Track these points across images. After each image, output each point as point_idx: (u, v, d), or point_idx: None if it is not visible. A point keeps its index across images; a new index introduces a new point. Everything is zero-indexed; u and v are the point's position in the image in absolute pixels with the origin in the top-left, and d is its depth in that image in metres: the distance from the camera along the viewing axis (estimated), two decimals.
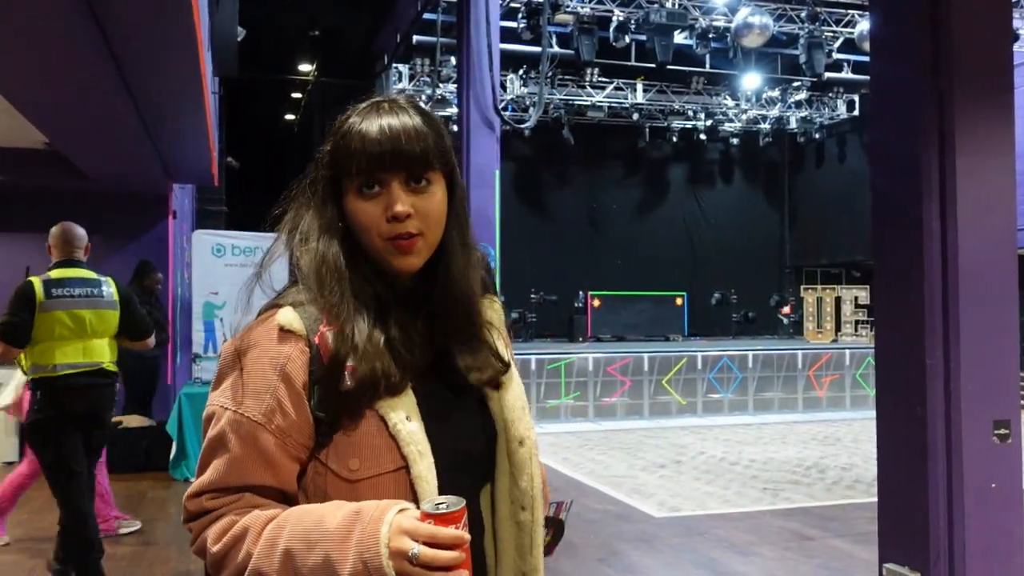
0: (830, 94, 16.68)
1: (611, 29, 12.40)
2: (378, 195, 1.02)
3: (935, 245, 3.02)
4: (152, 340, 4.18)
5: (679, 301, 17.40)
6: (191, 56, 4.46)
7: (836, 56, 13.50)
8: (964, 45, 3.04)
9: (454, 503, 0.90)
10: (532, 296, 15.98)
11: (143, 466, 6.66)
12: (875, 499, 3.32)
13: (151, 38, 4.20)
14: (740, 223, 18.99)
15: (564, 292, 16.33)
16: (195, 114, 5.72)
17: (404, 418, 1.00)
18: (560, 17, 11.92)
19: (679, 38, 12.39)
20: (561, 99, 15.69)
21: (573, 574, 4.37)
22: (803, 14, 12.75)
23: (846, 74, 14.64)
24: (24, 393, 4.26)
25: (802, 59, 12.82)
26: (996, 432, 3.01)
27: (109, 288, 3.91)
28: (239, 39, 8.80)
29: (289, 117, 19.61)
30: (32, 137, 6.28)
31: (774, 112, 17.16)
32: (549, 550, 1.20)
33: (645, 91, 16.06)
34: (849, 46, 13.22)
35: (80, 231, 3.93)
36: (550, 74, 13.99)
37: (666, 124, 17.26)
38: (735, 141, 18.19)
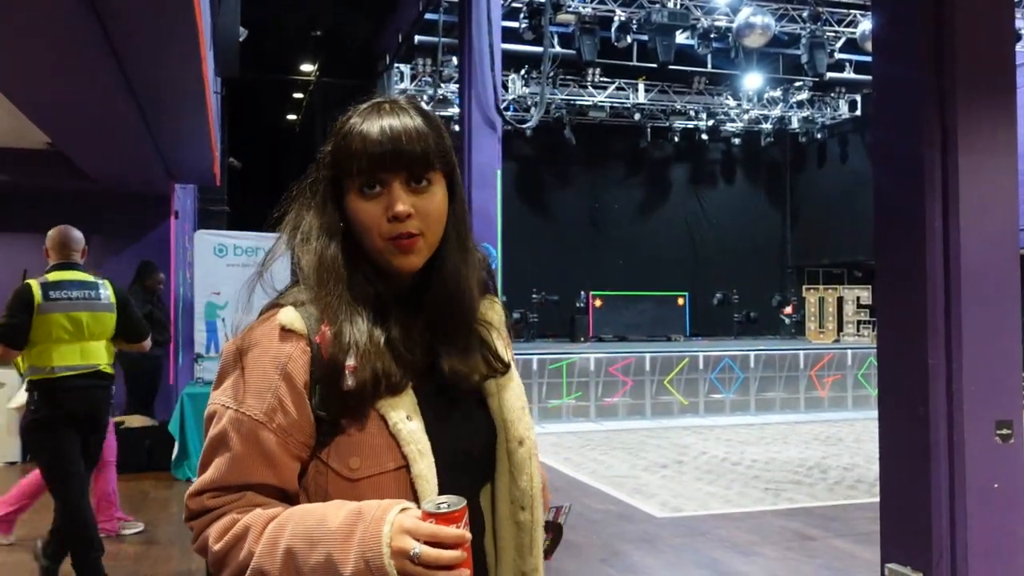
0: (832, 94, 16.68)
1: (613, 29, 12.40)
2: (379, 195, 1.03)
3: (937, 245, 3.02)
4: (148, 343, 4.21)
5: (681, 301, 17.40)
6: (193, 56, 4.47)
7: (838, 56, 13.50)
8: (967, 45, 3.03)
9: (455, 502, 0.90)
10: (534, 296, 15.98)
11: (145, 466, 6.67)
12: (877, 499, 3.32)
13: (153, 38, 4.20)
14: (742, 223, 18.98)
15: (566, 292, 16.33)
16: (197, 114, 5.73)
17: (404, 417, 1.00)
18: (562, 17, 11.93)
19: (681, 38, 12.39)
20: (563, 99, 15.69)
21: (575, 574, 4.37)
22: (805, 14, 12.75)
23: (848, 74, 14.64)
24: None
25: (804, 59, 12.82)
26: (998, 432, 3.01)
27: (106, 291, 3.94)
28: (241, 39, 8.80)
29: (291, 117, 19.62)
30: (34, 137, 6.29)
31: (776, 112, 17.16)
32: (548, 554, 1.20)
33: (647, 91, 16.06)
34: (851, 46, 13.21)
35: (77, 234, 3.95)
36: (552, 74, 13.99)
37: (668, 124, 17.26)
38: (737, 141, 18.19)
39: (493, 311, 1.16)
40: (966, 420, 2.96)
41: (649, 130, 17.43)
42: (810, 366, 11.32)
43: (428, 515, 0.89)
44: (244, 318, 1.07)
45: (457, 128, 10.01)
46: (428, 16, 12.00)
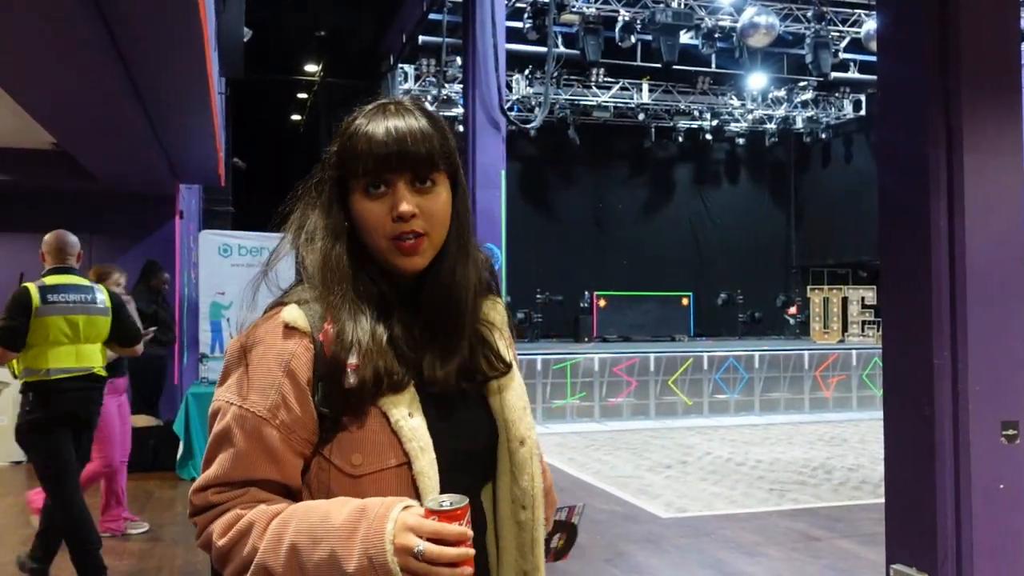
0: (836, 94, 16.65)
1: (617, 29, 12.40)
2: (384, 195, 1.03)
3: (942, 244, 3.01)
4: (140, 347, 4.27)
5: (685, 301, 17.39)
6: (198, 56, 4.48)
7: (842, 56, 13.48)
8: (971, 44, 3.03)
9: (457, 500, 0.91)
10: (538, 296, 15.98)
11: (150, 465, 6.68)
12: (882, 500, 3.31)
13: (158, 39, 4.22)
14: (746, 223, 18.96)
15: (570, 292, 16.33)
16: (202, 114, 5.75)
17: (406, 415, 1.01)
18: (566, 17, 11.93)
19: (685, 38, 12.38)
20: (567, 99, 15.69)
21: (580, 575, 4.37)
22: (809, 14, 12.73)
23: (852, 74, 14.61)
24: None
25: (808, 59, 12.80)
26: (1004, 433, 3.00)
27: (101, 295, 4.01)
28: (245, 40, 8.83)
29: (295, 118, 19.65)
30: (40, 138, 6.32)
31: (780, 112, 17.13)
32: (563, 554, 1.20)
33: (651, 91, 16.05)
34: (855, 46, 13.19)
35: (73, 239, 4.01)
36: (556, 74, 14.00)
37: (672, 124, 17.25)
38: (741, 141, 18.16)
39: (495, 311, 1.17)
40: (971, 420, 2.95)
41: (653, 130, 17.42)
42: (815, 366, 11.30)
43: (431, 512, 0.90)
44: (249, 316, 1.08)
45: (461, 128, 10.02)
46: (432, 16, 12.01)
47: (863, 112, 16.78)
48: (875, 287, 14.82)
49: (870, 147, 16.49)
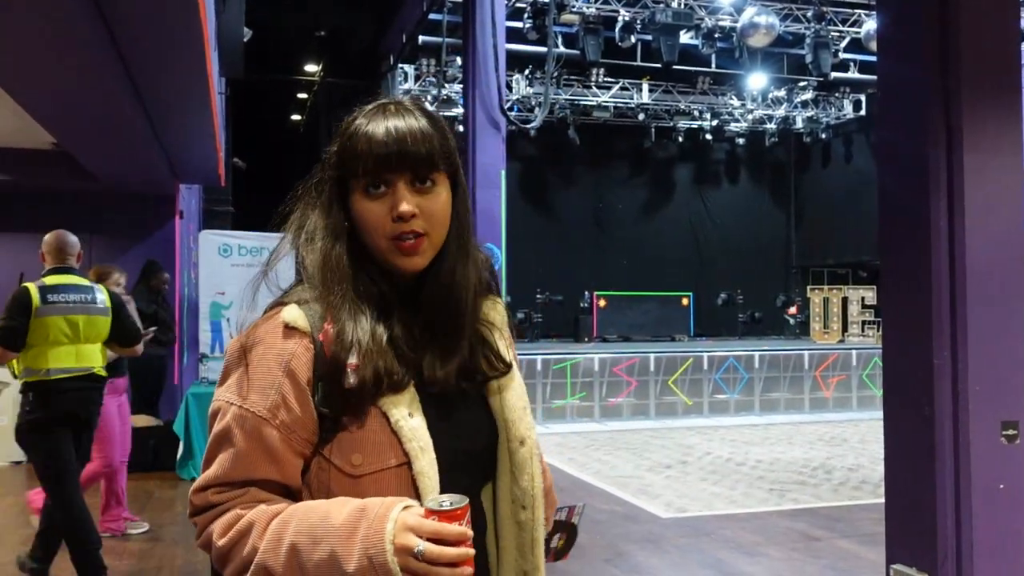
0: (836, 94, 16.65)
1: (617, 29, 12.40)
2: (384, 195, 1.04)
3: (942, 244, 3.01)
4: (140, 347, 4.27)
5: (685, 301, 17.39)
6: (198, 56, 4.49)
7: (842, 56, 13.48)
8: (971, 44, 3.03)
9: (457, 500, 0.91)
10: (538, 296, 15.98)
11: (150, 465, 6.68)
12: (882, 500, 3.31)
13: (158, 39, 4.22)
14: (746, 223, 18.96)
15: (570, 292, 16.33)
16: (202, 114, 5.75)
17: (406, 415, 1.01)
18: (566, 17, 11.93)
19: (685, 38, 12.38)
20: (567, 99, 15.69)
21: (580, 575, 4.37)
22: (809, 14, 12.73)
23: (852, 74, 14.61)
24: None
25: (808, 59, 12.80)
26: (1004, 433, 3.00)
27: (101, 295, 4.02)
28: (245, 40, 8.83)
29: (295, 118, 19.65)
30: (40, 138, 6.32)
31: (780, 112, 17.13)
32: (563, 554, 1.20)
33: (651, 91, 16.05)
34: (855, 46, 13.19)
35: (73, 239, 4.01)
36: (556, 74, 13.99)
37: (672, 124, 17.25)
38: (741, 141, 18.16)
39: (495, 311, 1.17)
40: (971, 420, 2.95)
41: (653, 130, 17.42)
42: (815, 366, 11.30)
43: (431, 512, 0.90)
44: (249, 316, 1.08)
45: (461, 128, 10.02)
46: (432, 16, 12.01)
47: (863, 112, 16.78)
48: (875, 287, 14.82)
49: (870, 147, 16.49)
